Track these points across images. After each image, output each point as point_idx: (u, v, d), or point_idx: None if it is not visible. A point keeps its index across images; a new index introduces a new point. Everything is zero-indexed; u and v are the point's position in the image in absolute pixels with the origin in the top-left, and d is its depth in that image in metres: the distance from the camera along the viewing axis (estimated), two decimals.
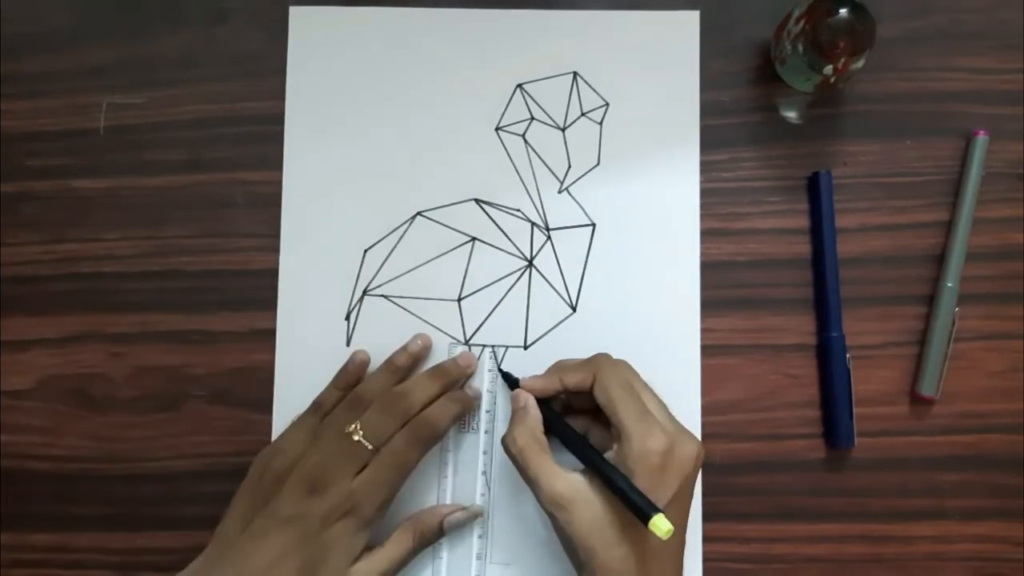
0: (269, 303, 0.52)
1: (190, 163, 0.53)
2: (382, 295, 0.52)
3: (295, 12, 0.54)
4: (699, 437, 0.50)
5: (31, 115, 0.54)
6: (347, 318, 0.52)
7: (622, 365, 0.46)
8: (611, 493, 0.42)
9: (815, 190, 0.52)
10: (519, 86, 0.53)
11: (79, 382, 0.53)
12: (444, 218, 0.52)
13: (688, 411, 0.51)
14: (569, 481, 0.43)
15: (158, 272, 0.53)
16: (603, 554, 0.42)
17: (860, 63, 0.48)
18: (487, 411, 0.51)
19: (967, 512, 0.51)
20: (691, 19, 0.53)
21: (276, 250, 0.53)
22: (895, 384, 0.51)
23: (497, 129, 0.53)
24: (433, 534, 0.48)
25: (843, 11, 0.47)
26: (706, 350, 0.51)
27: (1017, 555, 0.51)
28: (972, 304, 0.51)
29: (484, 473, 0.50)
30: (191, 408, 0.52)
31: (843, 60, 0.48)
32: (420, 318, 0.52)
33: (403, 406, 0.47)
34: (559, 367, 0.48)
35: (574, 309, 0.52)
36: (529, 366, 0.50)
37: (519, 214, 0.52)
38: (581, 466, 0.45)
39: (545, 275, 0.52)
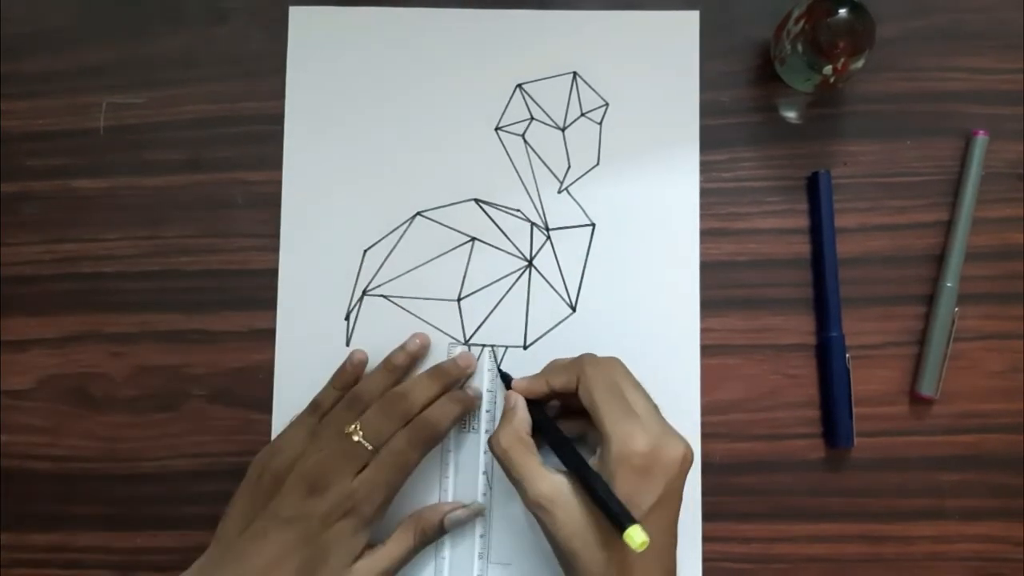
0: (269, 303, 0.52)
1: (190, 163, 0.53)
2: (382, 295, 0.52)
3: (295, 12, 0.54)
4: (699, 437, 0.51)
5: (31, 115, 0.54)
6: (347, 318, 0.52)
7: (609, 365, 0.45)
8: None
9: (815, 190, 0.52)
10: (519, 86, 0.53)
11: (79, 382, 0.53)
12: (444, 218, 0.52)
13: (688, 411, 0.51)
14: (553, 483, 0.43)
15: (158, 272, 0.53)
16: (585, 557, 0.42)
17: (860, 63, 0.48)
18: (487, 411, 0.51)
19: (967, 512, 0.51)
20: (691, 19, 0.53)
21: (276, 250, 0.53)
22: (895, 384, 0.51)
23: (497, 129, 0.53)
24: (434, 532, 0.48)
25: (843, 11, 0.47)
26: (706, 350, 0.51)
27: (1017, 555, 0.50)
28: (972, 304, 0.51)
29: (485, 473, 0.50)
30: (191, 408, 0.52)
31: (843, 60, 0.48)
32: (420, 318, 0.52)
33: (403, 407, 0.47)
34: (549, 367, 0.48)
35: (574, 309, 0.52)
36: (529, 366, 0.50)
37: (519, 214, 0.53)
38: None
39: (545, 275, 0.52)
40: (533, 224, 0.52)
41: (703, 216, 0.52)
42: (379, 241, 0.52)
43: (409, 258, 0.52)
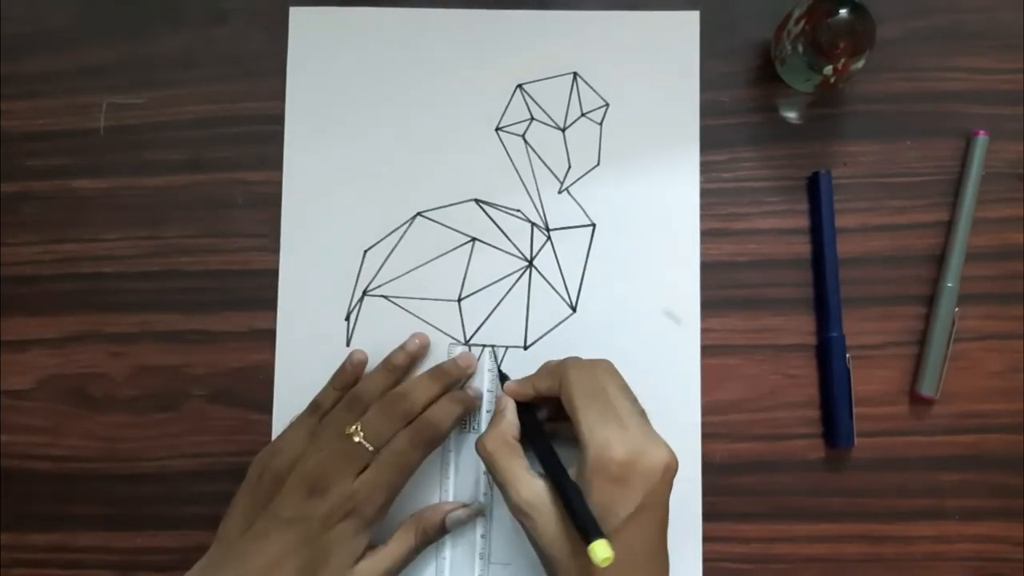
0: (269, 303, 0.52)
1: (190, 163, 0.53)
2: (382, 295, 0.52)
3: (295, 12, 0.54)
4: (699, 437, 0.51)
5: (31, 115, 0.54)
6: (347, 318, 0.52)
7: (594, 369, 0.45)
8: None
9: (815, 190, 0.52)
10: (519, 86, 0.53)
11: (79, 382, 0.53)
12: (444, 218, 0.52)
13: (688, 411, 0.51)
14: (534, 488, 0.43)
15: (158, 272, 0.53)
16: (564, 563, 0.41)
17: (860, 63, 0.48)
18: (488, 411, 0.51)
19: (967, 512, 0.51)
20: (691, 19, 0.53)
21: (276, 250, 0.53)
22: (895, 384, 0.51)
23: (497, 129, 0.53)
24: (436, 531, 0.48)
25: (843, 11, 0.47)
26: (706, 350, 0.51)
27: (1017, 555, 0.51)
28: (972, 304, 0.51)
29: (485, 474, 0.50)
30: (191, 408, 0.52)
31: (843, 60, 0.48)
32: (420, 318, 0.52)
33: (404, 407, 0.47)
34: (538, 370, 0.48)
35: (574, 309, 0.52)
36: (529, 366, 0.50)
37: (519, 214, 0.53)
38: None
39: (545, 275, 0.52)
40: (533, 224, 0.52)
41: (703, 216, 0.52)
42: (379, 241, 0.52)
43: (409, 258, 0.52)
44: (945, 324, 0.51)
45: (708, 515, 0.50)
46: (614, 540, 0.39)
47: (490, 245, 0.52)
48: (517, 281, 0.52)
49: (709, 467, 0.51)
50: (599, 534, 0.39)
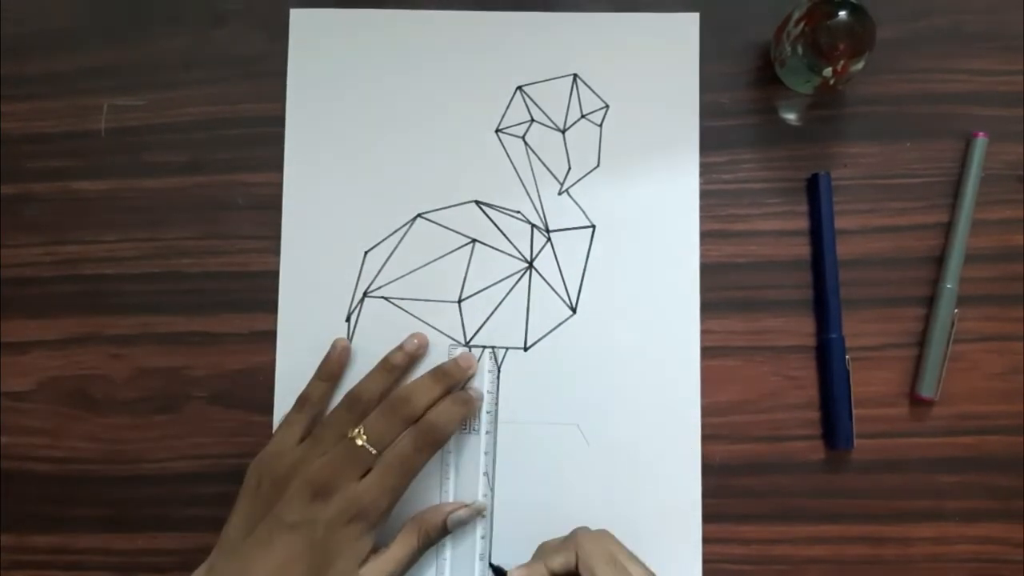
0: (270, 305, 0.52)
1: (191, 165, 0.53)
2: (382, 297, 0.52)
3: (295, 14, 0.54)
4: (699, 439, 0.51)
5: (32, 117, 0.54)
6: (347, 320, 0.52)
7: (604, 538, 0.45)
8: None
9: (815, 192, 0.52)
10: (519, 88, 0.53)
11: (79, 384, 0.53)
12: (444, 220, 0.53)
13: (688, 413, 0.51)
14: None
15: (158, 274, 0.53)
16: None
17: (860, 65, 0.48)
18: (488, 412, 0.51)
19: (967, 513, 0.51)
20: (691, 21, 0.53)
21: (277, 252, 0.53)
22: (895, 385, 0.52)
23: (497, 131, 0.53)
24: (437, 532, 0.48)
25: (843, 13, 0.48)
26: (706, 352, 0.51)
27: (1017, 557, 0.51)
28: (971, 306, 0.51)
29: (486, 474, 0.50)
30: (191, 410, 0.52)
31: (843, 62, 0.48)
32: (420, 320, 0.52)
33: (406, 410, 0.47)
34: (542, 551, 0.47)
35: (574, 311, 0.52)
36: (529, 367, 0.50)
37: (519, 216, 0.53)
38: None
39: (545, 277, 0.52)
40: (533, 226, 0.52)
41: (703, 218, 0.52)
42: (380, 243, 0.53)
43: (410, 260, 0.52)
44: (945, 325, 0.51)
45: (708, 516, 0.50)
46: None
47: (490, 246, 0.52)
48: (517, 282, 0.52)
49: (709, 468, 0.51)
50: None
